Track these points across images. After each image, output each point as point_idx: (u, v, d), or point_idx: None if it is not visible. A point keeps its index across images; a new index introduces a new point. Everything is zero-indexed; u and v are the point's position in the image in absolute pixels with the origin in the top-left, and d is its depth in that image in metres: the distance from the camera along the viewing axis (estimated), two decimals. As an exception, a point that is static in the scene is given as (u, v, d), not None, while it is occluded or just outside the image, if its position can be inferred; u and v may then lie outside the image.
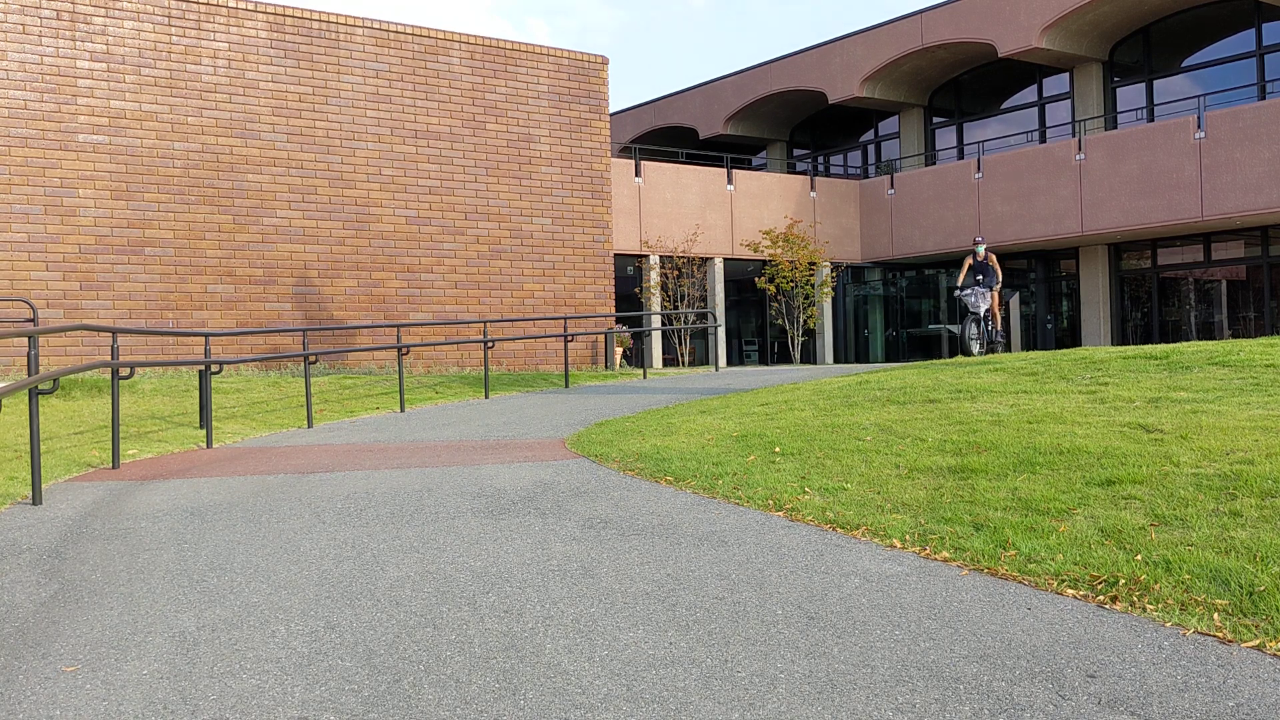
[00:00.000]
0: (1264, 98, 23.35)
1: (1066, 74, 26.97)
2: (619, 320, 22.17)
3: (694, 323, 24.69)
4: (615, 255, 21.91)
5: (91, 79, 15.53)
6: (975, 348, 16.54)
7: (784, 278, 24.88)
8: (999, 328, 17.11)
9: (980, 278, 16.85)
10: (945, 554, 4.17)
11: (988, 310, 16.89)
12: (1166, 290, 25.66)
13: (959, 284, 16.82)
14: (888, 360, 27.84)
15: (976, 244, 16.69)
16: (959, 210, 26.01)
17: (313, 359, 12.82)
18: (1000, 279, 16.54)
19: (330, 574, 4.29)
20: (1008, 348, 19.71)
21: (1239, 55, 24.28)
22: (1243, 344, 9.87)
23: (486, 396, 13.45)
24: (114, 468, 7.70)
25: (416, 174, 18.09)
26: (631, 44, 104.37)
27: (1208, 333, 24.44)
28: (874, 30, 28.22)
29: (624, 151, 30.68)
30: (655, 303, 24.48)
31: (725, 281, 26.36)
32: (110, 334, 8.18)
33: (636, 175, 24.56)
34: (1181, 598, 3.44)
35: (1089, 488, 4.86)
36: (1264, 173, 20.72)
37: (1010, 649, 3.11)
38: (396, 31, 17.95)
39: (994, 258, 16.73)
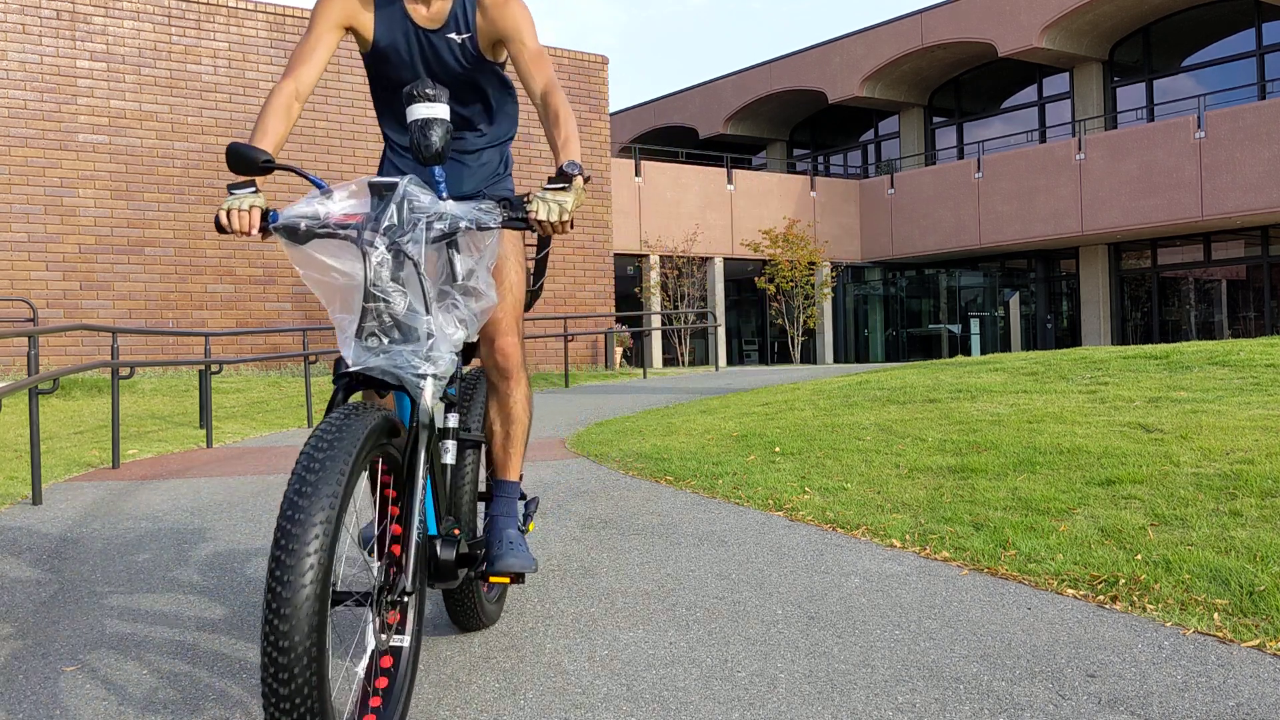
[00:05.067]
0: (1264, 98, 23.35)
1: (1066, 74, 26.97)
2: (619, 320, 22.17)
3: (694, 323, 24.69)
4: (615, 255, 21.91)
5: (91, 79, 15.53)
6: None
7: (784, 277, 24.88)
8: (526, 390, 3.39)
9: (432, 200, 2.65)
10: (945, 554, 4.17)
11: (480, 351, 3.37)
12: (1166, 290, 25.66)
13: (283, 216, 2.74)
14: (888, 360, 27.84)
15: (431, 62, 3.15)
16: (959, 210, 26.01)
17: (313, 359, 12.82)
18: (562, 209, 2.62)
19: (330, 574, 4.29)
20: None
21: (1239, 55, 24.29)
22: (1243, 344, 9.87)
23: (486, 396, 13.43)
24: (114, 467, 7.71)
25: (416, 174, 18.09)
26: (631, 44, 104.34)
27: (1208, 332, 24.45)
28: (874, 30, 28.23)
29: (624, 151, 30.67)
30: (655, 302, 24.48)
31: (725, 281, 26.36)
32: (110, 334, 8.18)
33: (636, 175, 24.56)
34: (1181, 597, 3.44)
35: (1089, 487, 4.86)
36: (1264, 173, 20.72)
37: (1010, 649, 3.11)
38: (396, 31, 17.94)
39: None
